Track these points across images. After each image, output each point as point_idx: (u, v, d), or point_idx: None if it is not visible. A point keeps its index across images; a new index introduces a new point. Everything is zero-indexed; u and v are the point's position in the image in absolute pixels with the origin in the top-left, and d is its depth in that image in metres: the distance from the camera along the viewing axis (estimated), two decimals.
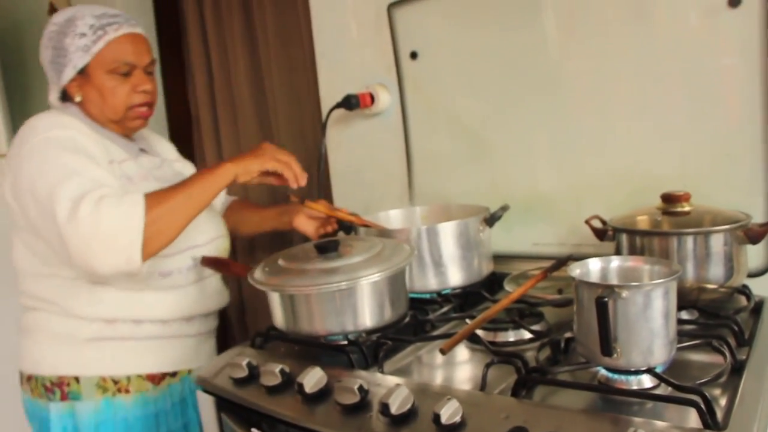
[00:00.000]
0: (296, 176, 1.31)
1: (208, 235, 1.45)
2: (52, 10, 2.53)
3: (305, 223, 1.55)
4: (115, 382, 1.32)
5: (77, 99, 1.34)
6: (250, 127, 2.18)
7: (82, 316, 1.29)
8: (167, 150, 1.61)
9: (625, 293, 0.84)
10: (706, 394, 0.77)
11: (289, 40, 2.02)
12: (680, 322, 1.09)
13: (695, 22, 1.26)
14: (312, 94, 1.95)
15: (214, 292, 1.46)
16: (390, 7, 1.66)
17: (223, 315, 2.41)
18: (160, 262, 1.31)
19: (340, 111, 1.73)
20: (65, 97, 1.37)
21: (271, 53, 2.06)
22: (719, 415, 0.77)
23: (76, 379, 1.30)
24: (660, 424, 0.75)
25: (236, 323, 2.38)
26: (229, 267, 1.40)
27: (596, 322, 0.84)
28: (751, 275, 1.23)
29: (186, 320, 1.40)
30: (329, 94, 1.85)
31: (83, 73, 1.31)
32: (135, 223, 1.11)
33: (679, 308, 1.11)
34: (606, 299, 0.82)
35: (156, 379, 1.36)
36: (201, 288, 1.42)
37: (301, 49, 1.97)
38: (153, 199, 1.16)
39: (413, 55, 1.66)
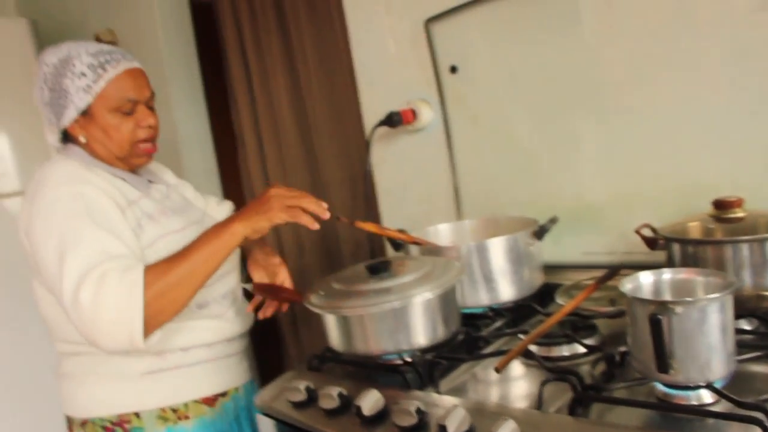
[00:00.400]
0: (311, 219, 1.21)
1: (234, 261, 1.44)
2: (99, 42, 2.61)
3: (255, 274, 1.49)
4: (174, 410, 1.33)
5: (82, 140, 1.31)
6: (294, 148, 2.22)
7: (131, 354, 1.25)
8: (167, 175, 1.58)
9: (679, 309, 0.83)
10: None
11: (328, 58, 2.06)
12: (740, 332, 1.08)
13: (741, 23, 1.24)
14: (353, 112, 1.98)
15: (245, 312, 1.47)
16: (427, 23, 1.67)
17: (277, 332, 2.48)
18: (197, 295, 1.27)
19: (384, 128, 1.75)
20: (66, 137, 1.34)
21: (311, 73, 2.09)
22: None
23: (137, 415, 1.30)
24: None
25: (291, 339, 2.42)
26: (280, 293, 1.41)
27: (651, 338, 0.84)
28: None
29: (228, 341, 1.41)
30: (371, 111, 1.87)
31: (86, 113, 1.28)
32: (134, 305, 1.09)
33: (738, 317, 1.10)
34: (660, 317, 0.82)
35: (210, 401, 1.39)
36: (237, 309, 1.44)
37: (341, 68, 1.99)
38: (154, 274, 1.13)
39: (453, 69, 1.67)
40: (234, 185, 2.63)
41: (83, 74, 1.25)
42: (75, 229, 1.16)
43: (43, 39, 2.53)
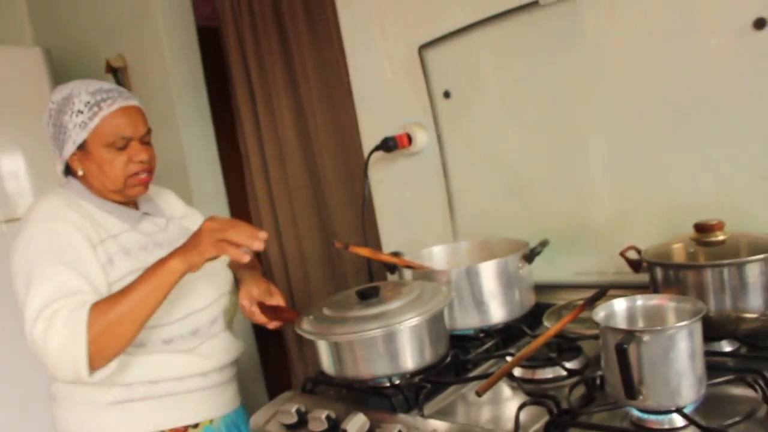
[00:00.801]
0: (239, 252, 1.20)
1: (208, 298, 1.45)
2: (109, 68, 2.69)
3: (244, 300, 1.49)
4: None
5: (80, 173, 1.38)
6: (297, 168, 2.27)
7: (101, 383, 1.28)
8: (174, 206, 1.62)
9: (646, 338, 0.86)
10: None
11: (329, 81, 2.11)
12: (719, 354, 1.11)
13: (720, 48, 1.26)
14: (354, 133, 2.02)
15: (226, 346, 1.48)
16: (420, 49, 1.71)
17: (283, 347, 2.52)
18: (160, 331, 1.35)
19: (381, 152, 1.79)
20: (68, 170, 1.42)
21: (313, 95, 2.14)
22: None
23: None
24: None
25: (296, 357, 2.46)
26: (283, 314, 1.43)
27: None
28: None
29: (203, 375, 1.42)
30: (369, 135, 1.91)
31: (82, 148, 1.35)
32: (78, 342, 1.15)
33: (719, 339, 1.13)
34: (625, 346, 0.84)
35: None
36: (213, 345, 1.44)
37: (341, 90, 2.04)
38: (97, 312, 1.18)
39: (446, 95, 1.70)
40: (242, 206, 2.68)
41: (80, 111, 1.33)
42: (41, 265, 1.24)
43: (57, 66, 2.61)
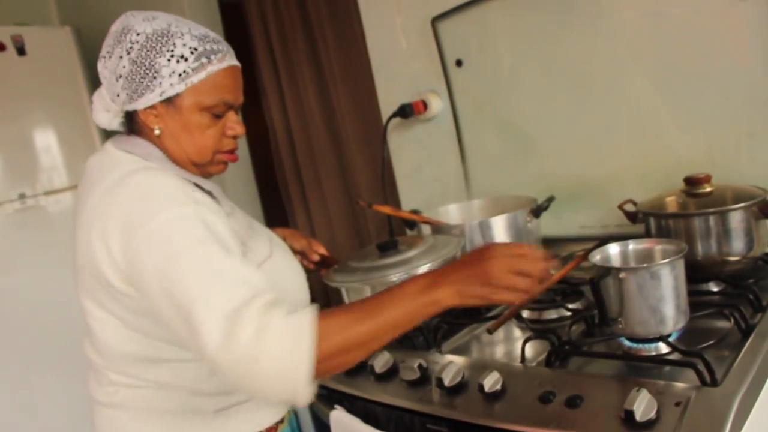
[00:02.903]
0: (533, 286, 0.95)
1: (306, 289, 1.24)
2: None
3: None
4: None
5: (156, 131, 1.08)
6: (321, 136, 2.39)
7: (205, 393, 1.10)
8: None
9: (622, 274, 1.00)
10: (705, 356, 0.92)
11: (348, 53, 2.21)
12: (706, 293, 1.24)
13: (712, 15, 1.36)
14: (373, 102, 2.14)
15: None
16: (433, 21, 1.82)
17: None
18: None
19: (399, 118, 1.91)
20: (129, 124, 1.12)
21: (334, 67, 2.25)
22: (719, 374, 0.91)
23: None
24: (661, 383, 0.90)
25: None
26: (328, 260, 1.47)
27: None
28: None
29: None
30: (387, 103, 2.04)
31: (171, 102, 1.06)
32: (303, 357, 0.84)
33: (706, 280, 1.26)
34: (596, 281, 1.00)
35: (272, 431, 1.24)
36: None
37: (360, 61, 2.15)
38: (331, 325, 0.88)
39: (458, 63, 1.82)
40: (268, 176, 2.81)
41: (183, 57, 1.04)
42: (208, 258, 0.92)
43: (86, 45, 2.73)
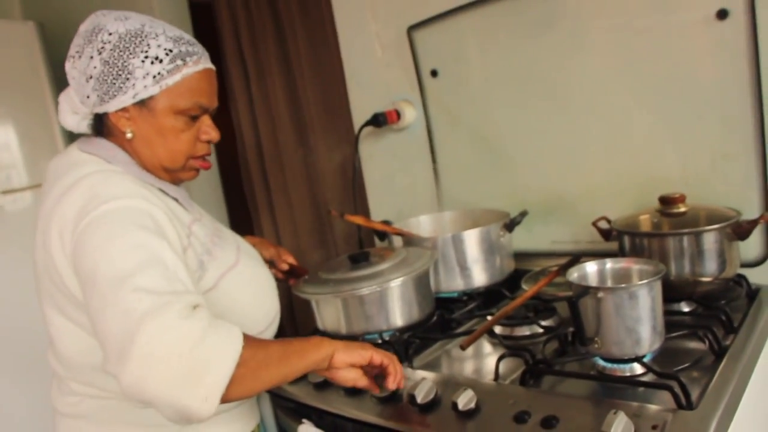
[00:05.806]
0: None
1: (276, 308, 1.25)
2: None
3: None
4: None
5: (128, 134, 1.05)
6: (290, 143, 2.35)
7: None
8: None
9: (600, 294, 0.99)
10: (681, 378, 0.91)
11: (320, 59, 2.18)
12: (678, 313, 1.24)
13: (687, 35, 1.36)
14: (344, 109, 2.11)
15: None
16: (409, 30, 1.80)
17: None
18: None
19: (371, 127, 1.89)
20: (98, 126, 1.08)
21: (305, 72, 2.21)
22: (694, 396, 0.90)
23: None
24: (635, 405, 0.89)
25: (287, 323, 2.57)
26: (297, 271, 1.46)
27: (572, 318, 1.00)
28: (749, 265, 1.34)
29: None
30: (360, 111, 2.01)
31: (144, 105, 1.03)
32: (230, 354, 0.83)
33: (678, 300, 1.26)
34: (575, 300, 0.98)
35: None
36: None
37: (332, 68, 2.12)
38: (247, 337, 0.87)
39: (433, 73, 1.80)
40: (234, 180, 2.76)
41: (158, 59, 1.01)
42: (152, 245, 0.90)
43: (50, 41, 2.65)
